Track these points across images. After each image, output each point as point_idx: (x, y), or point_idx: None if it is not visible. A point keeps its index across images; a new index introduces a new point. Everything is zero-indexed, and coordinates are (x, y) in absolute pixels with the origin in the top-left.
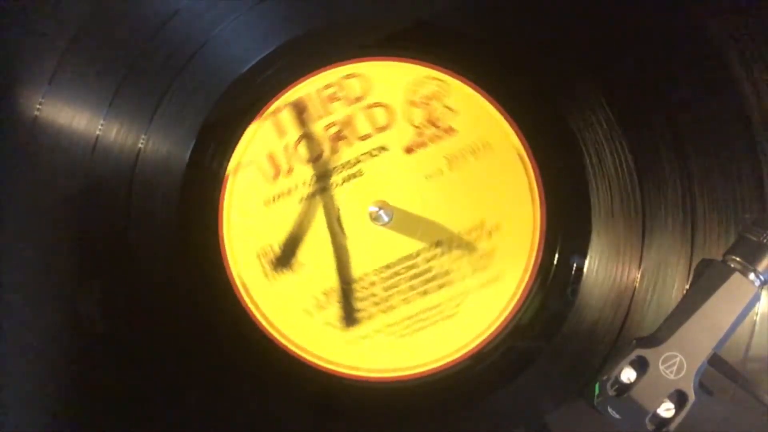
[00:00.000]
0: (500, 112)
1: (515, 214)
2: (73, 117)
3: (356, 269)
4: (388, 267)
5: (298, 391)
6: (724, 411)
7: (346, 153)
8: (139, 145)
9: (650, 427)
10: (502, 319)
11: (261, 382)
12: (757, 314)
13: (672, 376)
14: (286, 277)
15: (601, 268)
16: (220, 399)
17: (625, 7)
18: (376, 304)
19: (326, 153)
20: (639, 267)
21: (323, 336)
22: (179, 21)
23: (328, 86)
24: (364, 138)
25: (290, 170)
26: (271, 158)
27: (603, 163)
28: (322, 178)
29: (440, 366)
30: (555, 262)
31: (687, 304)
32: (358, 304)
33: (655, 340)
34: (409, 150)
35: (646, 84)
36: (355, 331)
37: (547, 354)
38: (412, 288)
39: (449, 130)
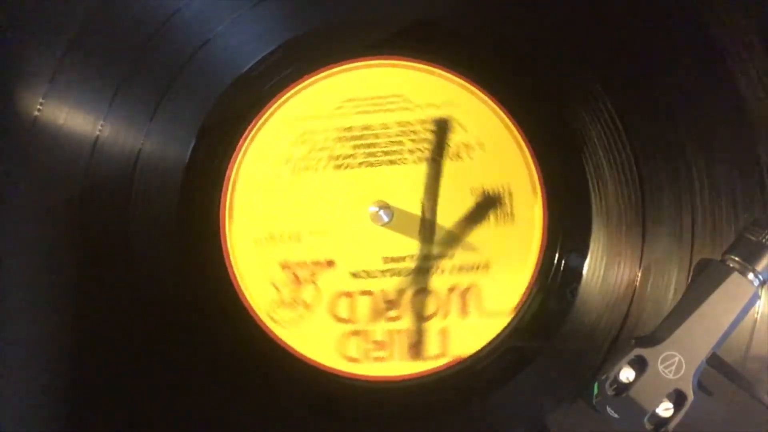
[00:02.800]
0: (502, 110)
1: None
2: (73, 117)
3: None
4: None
5: (299, 390)
6: (724, 411)
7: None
8: (139, 145)
9: (649, 426)
10: (503, 317)
11: (263, 381)
12: (757, 314)
13: (671, 376)
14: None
15: (601, 268)
16: (219, 398)
17: (626, 7)
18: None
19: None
20: (639, 267)
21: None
22: (179, 21)
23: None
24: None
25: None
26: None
27: (603, 162)
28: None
29: (440, 366)
30: (555, 261)
31: (686, 304)
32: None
33: (653, 339)
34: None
35: (646, 84)
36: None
37: (547, 354)
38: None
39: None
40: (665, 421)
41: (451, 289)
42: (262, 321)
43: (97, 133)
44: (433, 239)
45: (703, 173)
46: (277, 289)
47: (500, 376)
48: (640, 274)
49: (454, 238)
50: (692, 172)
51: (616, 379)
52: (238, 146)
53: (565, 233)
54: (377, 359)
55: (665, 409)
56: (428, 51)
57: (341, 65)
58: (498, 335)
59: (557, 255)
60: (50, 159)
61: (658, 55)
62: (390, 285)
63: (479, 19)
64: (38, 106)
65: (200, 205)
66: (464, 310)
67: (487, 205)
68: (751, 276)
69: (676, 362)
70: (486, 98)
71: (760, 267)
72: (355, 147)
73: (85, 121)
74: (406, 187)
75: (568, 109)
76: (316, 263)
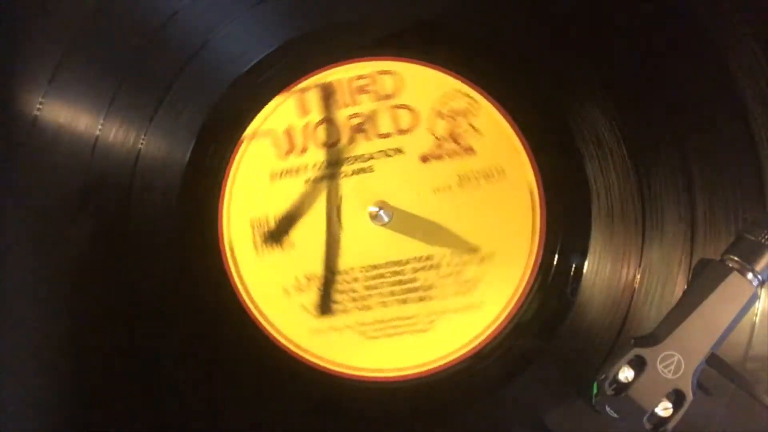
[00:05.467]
0: (502, 110)
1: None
2: (73, 117)
3: (343, 262)
4: (374, 267)
5: (299, 390)
6: (723, 411)
7: (363, 146)
8: (139, 145)
9: (648, 426)
10: (502, 318)
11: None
12: (757, 314)
13: (670, 376)
14: (274, 253)
15: (601, 268)
16: (219, 398)
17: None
18: (354, 300)
19: (343, 141)
20: (639, 267)
21: (294, 318)
22: (179, 21)
23: (360, 77)
24: (383, 136)
25: (304, 150)
26: (288, 134)
27: (603, 162)
28: (333, 165)
29: (440, 366)
30: (555, 261)
31: (685, 304)
32: (337, 296)
33: (653, 339)
34: (424, 159)
35: (646, 84)
36: (327, 321)
37: (547, 354)
38: (392, 293)
39: (469, 150)
40: (664, 421)
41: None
42: (262, 321)
43: (97, 133)
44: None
45: (703, 173)
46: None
47: (500, 376)
48: (640, 274)
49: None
50: (692, 172)
51: (615, 379)
52: (238, 146)
53: (565, 233)
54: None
55: (664, 408)
56: (428, 51)
57: (341, 65)
58: (498, 335)
59: (557, 255)
60: (50, 159)
61: (658, 55)
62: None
63: (479, 19)
64: (38, 106)
65: (200, 205)
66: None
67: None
68: (750, 276)
69: (676, 362)
70: (486, 98)
71: (759, 267)
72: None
73: (85, 121)
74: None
75: (568, 109)
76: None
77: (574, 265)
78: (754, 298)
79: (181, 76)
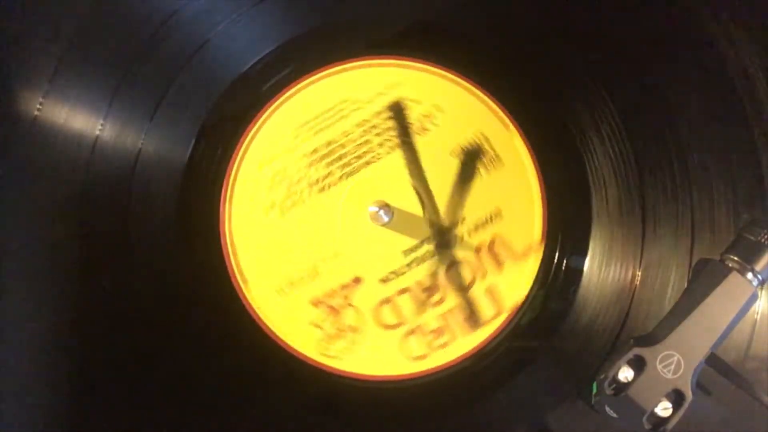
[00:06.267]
0: (501, 111)
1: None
2: (73, 117)
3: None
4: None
5: (298, 390)
6: (723, 411)
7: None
8: (139, 145)
9: (648, 426)
10: (503, 317)
11: (262, 380)
12: (756, 314)
13: (669, 376)
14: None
15: (601, 268)
16: (219, 398)
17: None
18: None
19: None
20: (639, 267)
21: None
22: (179, 21)
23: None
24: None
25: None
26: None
27: (603, 162)
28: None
29: (440, 366)
30: (555, 261)
31: (685, 304)
32: None
33: (652, 339)
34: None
35: (646, 84)
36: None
37: (547, 353)
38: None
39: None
40: (664, 421)
41: (478, 250)
42: (261, 321)
43: (97, 133)
44: (439, 213)
45: (703, 173)
46: (319, 327)
47: (500, 376)
48: (640, 274)
49: (457, 204)
50: (692, 172)
51: (615, 379)
52: (238, 146)
53: (565, 233)
54: (442, 346)
55: (664, 408)
56: (427, 51)
57: (341, 65)
58: (498, 335)
59: (557, 255)
60: (50, 159)
61: (658, 55)
62: (421, 273)
63: (479, 19)
64: (38, 106)
65: (200, 205)
66: (498, 262)
67: (471, 158)
68: (750, 276)
69: (675, 362)
70: (486, 99)
71: (759, 267)
72: (328, 164)
73: (85, 121)
74: (397, 182)
75: (568, 109)
76: (344, 286)
77: (574, 265)
78: (754, 298)
79: (181, 76)
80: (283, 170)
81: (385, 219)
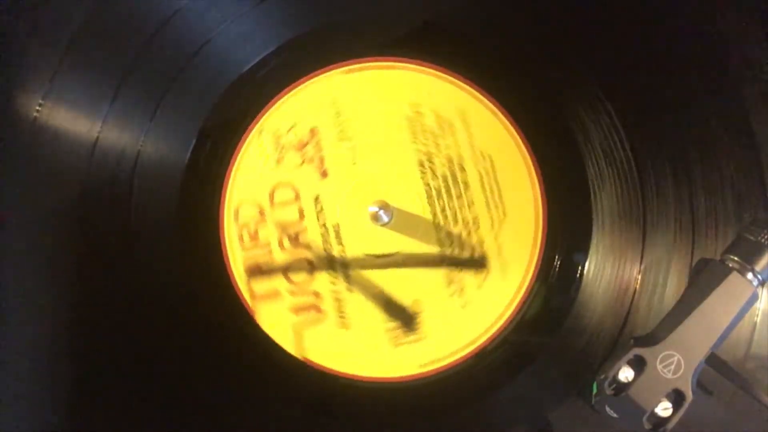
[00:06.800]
0: (501, 111)
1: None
2: (73, 117)
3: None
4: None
5: (298, 390)
6: (723, 411)
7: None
8: (139, 146)
9: (648, 426)
10: (503, 318)
11: (261, 380)
12: (757, 313)
13: (669, 376)
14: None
15: (602, 267)
16: (218, 397)
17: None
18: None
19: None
20: (640, 266)
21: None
22: (179, 21)
23: None
24: None
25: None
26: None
27: (603, 163)
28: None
29: (440, 365)
30: (556, 260)
31: (685, 304)
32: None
33: (652, 339)
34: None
35: (646, 84)
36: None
37: (548, 353)
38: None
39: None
40: (664, 421)
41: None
42: (261, 321)
43: (97, 133)
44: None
45: (703, 173)
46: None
47: (501, 375)
48: (640, 274)
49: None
50: (692, 172)
51: (615, 379)
52: (238, 146)
53: (565, 233)
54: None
55: (664, 408)
56: (428, 52)
57: (341, 65)
58: (499, 333)
59: (557, 255)
60: (50, 159)
61: (658, 55)
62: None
63: (480, 20)
64: (38, 106)
65: (200, 205)
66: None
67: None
68: (750, 276)
69: (675, 362)
70: (486, 99)
71: (759, 267)
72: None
73: (85, 121)
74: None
75: (568, 109)
76: None
77: (574, 265)
78: (754, 298)
79: (181, 76)
80: None
81: (385, 219)
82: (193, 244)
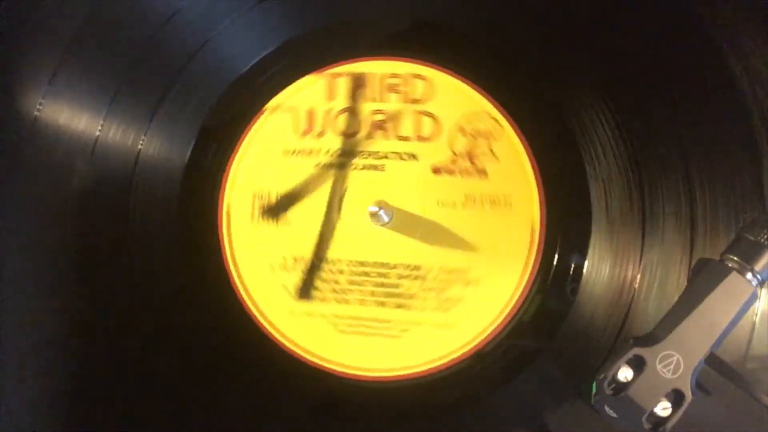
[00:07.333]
0: (501, 111)
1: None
2: (73, 117)
3: (333, 251)
4: (362, 264)
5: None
6: (722, 411)
7: (380, 144)
8: (139, 146)
9: (647, 426)
10: (502, 318)
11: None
12: (757, 313)
13: (669, 375)
14: (268, 227)
15: (601, 268)
16: (219, 398)
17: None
18: (334, 291)
19: (361, 134)
20: (639, 266)
21: (273, 296)
22: (179, 21)
23: (394, 75)
24: (402, 138)
25: (321, 133)
26: (310, 115)
27: (603, 162)
28: (346, 155)
29: (440, 365)
30: (555, 261)
31: (684, 304)
32: (319, 283)
33: (652, 339)
34: (436, 170)
35: (646, 84)
36: (304, 305)
37: (547, 354)
38: (372, 294)
39: (482, 172)
40: (664, 421)
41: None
42: (261, 321)
43: (97, 133)
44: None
45: (703, 173)
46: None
47: (500, 376)
48: (640, 274)
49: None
50: (692, 172)
51: (614, 379)
52: (238, 146)
53: (565, 233)
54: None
55: (663, 408)
56: (428, 51)
57: (341, 65)
58: (498, 334)
59: (557, 255)
60: (50, 159)
61: (658, 55)
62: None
63: (479, 19)
64: (38, 106)
65: (200, 205)
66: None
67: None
68: (749, 276)
69: (675, 362)
70: (486, 98)
71: (758, 267)
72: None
73: (85, 121)
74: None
75: (568, 109)
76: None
77: (573, 265)
78: (754, 297)
79: (181, 76)
80: None
81: (385, 219)
82: (192, 243)
